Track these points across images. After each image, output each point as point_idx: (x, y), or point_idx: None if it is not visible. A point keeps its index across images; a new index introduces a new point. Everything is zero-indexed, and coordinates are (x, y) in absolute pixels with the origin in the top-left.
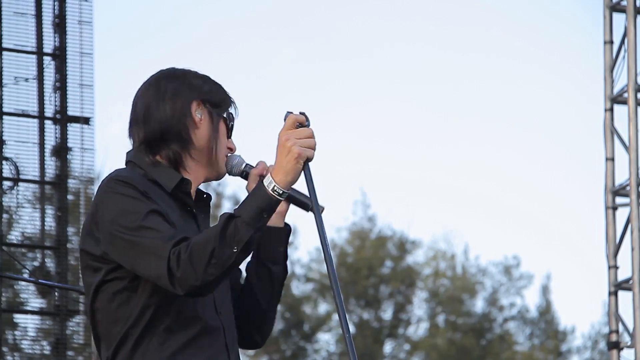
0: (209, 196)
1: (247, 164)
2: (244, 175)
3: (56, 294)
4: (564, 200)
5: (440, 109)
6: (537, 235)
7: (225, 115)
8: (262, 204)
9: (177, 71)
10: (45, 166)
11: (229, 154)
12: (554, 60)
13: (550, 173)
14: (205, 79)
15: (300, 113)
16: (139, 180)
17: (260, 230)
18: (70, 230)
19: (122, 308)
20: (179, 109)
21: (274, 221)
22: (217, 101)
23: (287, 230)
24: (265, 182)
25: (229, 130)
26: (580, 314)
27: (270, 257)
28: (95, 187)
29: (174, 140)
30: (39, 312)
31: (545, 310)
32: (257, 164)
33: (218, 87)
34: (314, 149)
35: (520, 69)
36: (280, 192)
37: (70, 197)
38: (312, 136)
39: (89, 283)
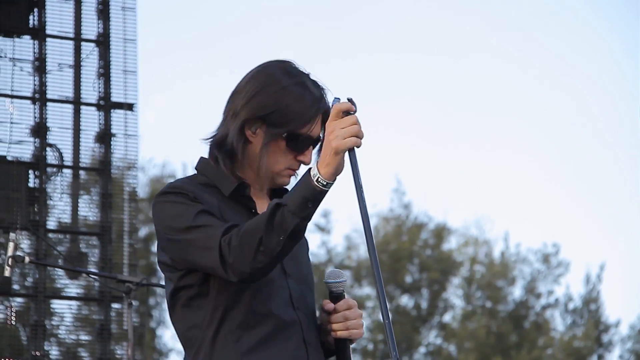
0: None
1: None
2: None
3: (94, 279)
4: (607, 188)
5: (476, 99)
6: (581, 224)
7: (286, 135)
8: (307, 194)
9: (268, 72)
10: (88, 152)
11: (295, 168)
12: (585, 64)
13: (592, 160)
14: (280, 90)
15: (348, 99)
16: (190, 187)
17: (306, 219)
18: (113, 216)
19: (197, 313)
20: (237, 125)
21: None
22: (278, 121)
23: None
24: (312, 172)
25: (297, 147)
26: (628, 305)
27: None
28: (138, 173)
29: (227, 152)
30: (83, 298)
31: (590, 300)
32: None
33: (293, 102)
34: (358, 136)
35: (554, 61)
36: (325, 182)
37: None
38: (356, 123)
39: (167, 292)
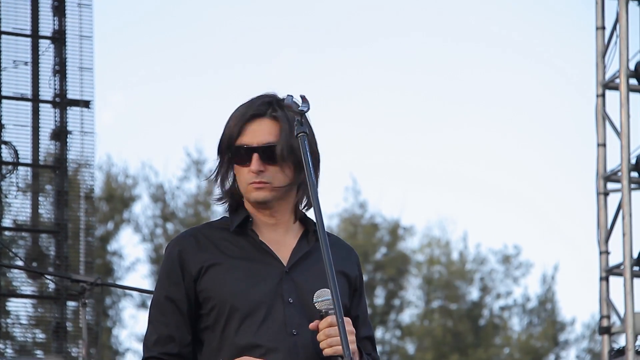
0: (314, 228)
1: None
2: None
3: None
4: (557, 186)
5: (434, 97)
6: (535, 224)
7: (229, 155)
8: None
9: None
10: (44, 150)
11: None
12: (545, 46)
13: (543, 158)
14: (228, 119)
15: (300, 97)
16: (188, 240)
17: None
18: (69, 214)
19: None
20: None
21: None
22: (224, 147)
23: None
24: None
25: (241, 160)
26: (582, 303)
27: None
28: (95, 171)
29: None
30: (39, 297)
31: (546, 300)
32: None
33: (226, 127)
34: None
35: (512, 56)
36: None
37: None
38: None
39: None
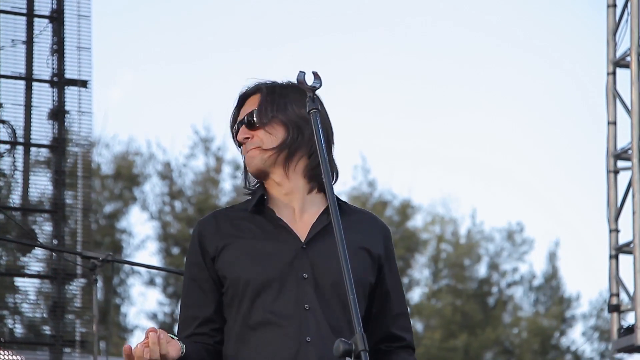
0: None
1: None
2: None
3: (53, 257)
4: (567, 165)
5: (443, 80)
6: (541, 201)
7: (232, 122)
8: None
9: None
10: (43, 129)
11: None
12: (556, 25)
13: (553, 138)
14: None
15: (312, 73)
16: (209, 223)
17: None
18: (68, 194)
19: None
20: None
21: None
22: (231, 120)
23: None
24: None
25: (236, 124)
26: (587, 280)
27: None
28: (94, 151)
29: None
30: (37, 276)
31: (551, 277)
32: None
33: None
34: None
35: (522, 35)
36: None
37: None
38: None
39: None
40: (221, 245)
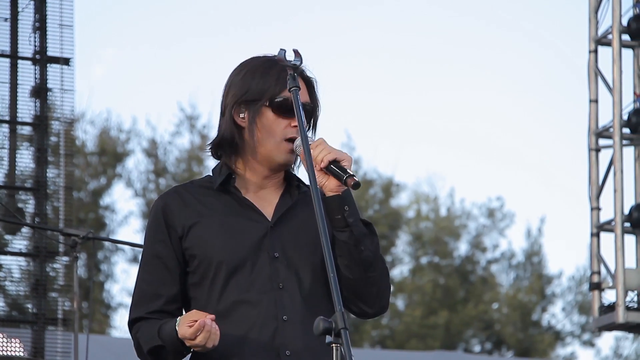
0: (296, 183)
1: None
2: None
3: (36, 235)
4: (549, 142)
5: (426, 56)
6: (524, 178)
7: (268, 103)
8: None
9: (237, 66)
10: (25, 106)
11: (292, 137)
12: (537, 2)
13: (535, 115)
14: (250, 71)
15: (293, 50)
16: (173, 197)
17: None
18: (52, 172)
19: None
20: (226, 117)
21: (328, 192)
22: (256, 95)
23: (335, 198)
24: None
25: (285, 111)
26: (568, 257)
27: (335, 227)
28: (76, 128)
29: (228, 147)
30: (19, 254)
31: (532, 253)
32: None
33: (259, 77)
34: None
35: (504, 13)
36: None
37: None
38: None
39: None
40: (189, 224)
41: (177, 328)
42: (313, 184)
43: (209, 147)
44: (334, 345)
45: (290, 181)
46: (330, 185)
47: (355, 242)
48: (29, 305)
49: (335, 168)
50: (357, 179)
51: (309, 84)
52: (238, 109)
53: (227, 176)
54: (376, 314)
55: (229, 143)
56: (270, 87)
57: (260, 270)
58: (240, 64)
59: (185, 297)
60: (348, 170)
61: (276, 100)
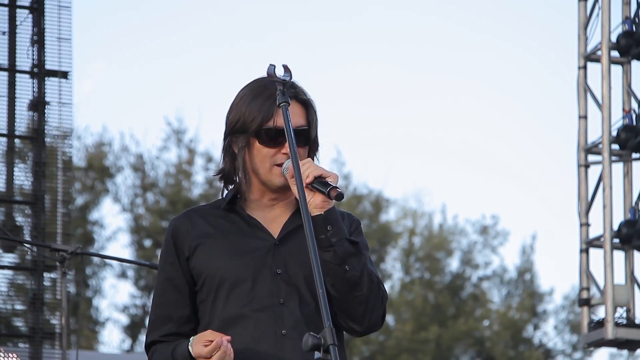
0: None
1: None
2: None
3: (28, 249)
4: (538, 159)
5: (418, 67)
6: (515, 195)
7: (254, 133)
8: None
9: (234, 98)
10: (22, 120)
11: (282, 163)
12: (527, 18)
13: (524, 131)
14: (243, 99)
15: (283, 66)
16: (182, 221)
17: None
18: (47, 185)
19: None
20: (225, 149)
21: (313, 209)
22: (243, 126)
23: (319, 218)
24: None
25: (270, 141)
26: (561, 274)
27: (319, 246)
28: (73, 141)
29: (225, 175)
30: (15, 268)
31: (524, 270)
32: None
33: (247, 105)
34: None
35: (494, 27)
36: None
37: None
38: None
39: None
40: (195, 244)
41: (190, 348)
42: (303, 203)
43: (217, 176)
44: None
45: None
46: (315, 201)
47: (339, 261)
48: (20, 322)
49: (320, 183)
50: (340, 191)
51: (304, 105)
52: (232, 138)
53: (233, 197)
54: (366, 332)
55: (230, 171)
56: (255, 117)
57: (262, 286)
58: (243, 87)
59: (197, 317)
60: (335, 186)
61: (262, 130)
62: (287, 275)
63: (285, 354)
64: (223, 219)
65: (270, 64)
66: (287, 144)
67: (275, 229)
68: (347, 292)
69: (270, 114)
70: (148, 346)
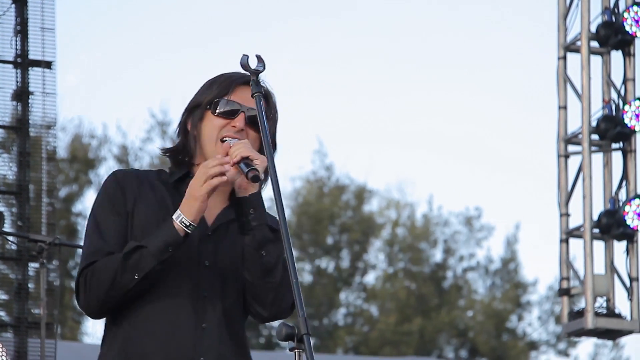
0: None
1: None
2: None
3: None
4: (518, 149)
5: (399, 59)
6: (496, 186)
7: (208, 106)
8: (169, 238)
9: None
10: (6, 110)
11: (229, 139)
12: (507, 8)
13: (504, 121)
14: (204, 85)
15: (256, 56)
16: (131, 177)
17: (164, 262)
18: (31, 175)
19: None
20: (180, 127)
21: (238, 190)
22: (199, 101)
23: (243, 200)
24: (175, 214)
25: (223, 113)
26: (545, 265)
27: (240, 228)
28: (57, 132)
29: (182, 153)
30: (2, 257)
31: (508, 261)
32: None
33: (207, 87)
34: (219, 174)
35: (474, 17)
36: (188, 223)
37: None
38: (218, 164)
39: None
40: (133, 205)
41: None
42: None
43: (166, 154)
44: (296, 350)
45: (241, 199)
46: (239, 182)
47: (257, 246)
48: (1, 312)
49: (245, 164)
50: (257, 173)
51: (264, 97)
52: (188, 116)
53: (184, 175)
54: (271, 319)
55: (181, 149)
56: (212, 92)
57: (188, 277)
58: None
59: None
60: (255, 168)
61: (216, 100)
62: (215, 267)
63: (204, 348)
64: (166, 191)
65: (244, 55)
66: (239, 117)
67: (210, 218)
68: (259, 278)
69: (227, 90)
70: (81, 272)
